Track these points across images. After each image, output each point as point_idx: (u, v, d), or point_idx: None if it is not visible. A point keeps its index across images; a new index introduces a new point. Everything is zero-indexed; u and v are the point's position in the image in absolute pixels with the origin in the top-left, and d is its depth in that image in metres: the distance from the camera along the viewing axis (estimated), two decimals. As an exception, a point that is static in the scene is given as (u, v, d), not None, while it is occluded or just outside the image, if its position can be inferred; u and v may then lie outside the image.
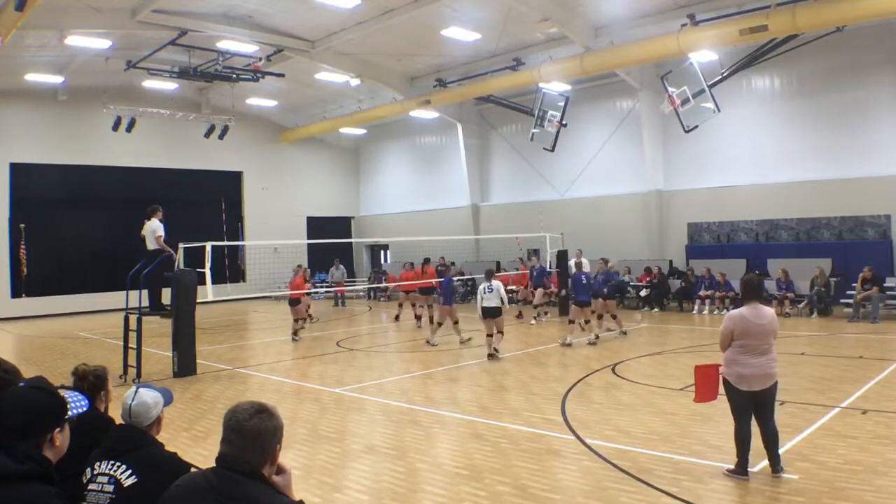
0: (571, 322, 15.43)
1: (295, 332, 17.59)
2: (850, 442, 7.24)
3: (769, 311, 6.44)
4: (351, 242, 35.17)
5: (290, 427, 8.33)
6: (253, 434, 2.36)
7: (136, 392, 3.19)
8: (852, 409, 8.64)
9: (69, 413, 2.63)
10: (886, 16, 16.22)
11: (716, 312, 19.97)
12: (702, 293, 20.58)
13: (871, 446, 7.06)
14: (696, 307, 20.67)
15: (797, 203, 21.03)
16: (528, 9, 19.38)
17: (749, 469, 6.29)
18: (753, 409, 6.26)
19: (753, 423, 6.30)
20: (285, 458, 2.53)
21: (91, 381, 3.69)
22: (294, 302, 17.86)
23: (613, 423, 8.54)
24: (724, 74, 19.87)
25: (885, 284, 17.84)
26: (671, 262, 23.48)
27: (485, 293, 13.67)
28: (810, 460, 6.65)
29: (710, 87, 19.20)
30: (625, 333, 16.12)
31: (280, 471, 2.48)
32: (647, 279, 22.15)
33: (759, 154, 21.92)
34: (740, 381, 6.20)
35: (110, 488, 2.88)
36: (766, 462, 6.35)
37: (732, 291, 20.10)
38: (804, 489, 5.93)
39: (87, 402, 2.85)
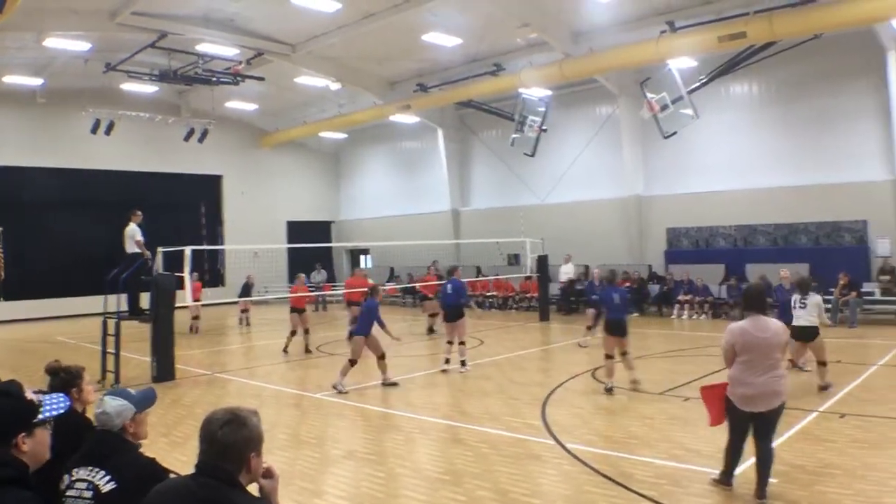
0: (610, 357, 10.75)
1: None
2: (828, 446, 7.31)
3: (774, 322, 6.05)
4: (331, 247, 35.03)
5: (270, 432, 8.27)
6: (223, 445, 2.40)
7: (101, 401, 3.15)
8: (830, 413, 8.72)
9: (42, 415, 2.59)
10: (862, 23, 16.48)
11: (694, 317, 20.15)
12: (681, 297, 20.72)
13: (850, 450, 7.14)
14: (675, 312, 20.80)
15: (775, 208, 21.17)
16: (509, 14, 19.45)
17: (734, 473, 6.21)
18: (752, 428, 5.97)
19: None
20: (269, 463, 2.56)
21: (62, 378, 3.64)
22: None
23: (594, 427, 8.57)
24: (703, 81, 20.02)
25: (863, 289, 18.05)
26: (650, 266, 23.62)
27: (796, 307, 10.10)
28: (789, 464, 6.68)
29: (689, 93, 19.38)
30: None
31: (268, 475, 2.53)
32: (627, 284, 22.23)
33: (737, 159, 22.07)
34: (744, 402, 5.87)
35: (88, 494, 2.84)
36: (750, 462, 6.14)
37: (711, 296, 20.28)
38: (783, 493, 5.97)
39: (66, 404, 2.80)
